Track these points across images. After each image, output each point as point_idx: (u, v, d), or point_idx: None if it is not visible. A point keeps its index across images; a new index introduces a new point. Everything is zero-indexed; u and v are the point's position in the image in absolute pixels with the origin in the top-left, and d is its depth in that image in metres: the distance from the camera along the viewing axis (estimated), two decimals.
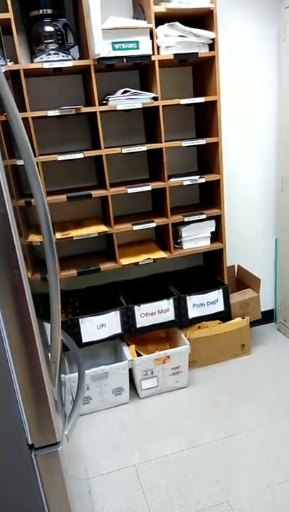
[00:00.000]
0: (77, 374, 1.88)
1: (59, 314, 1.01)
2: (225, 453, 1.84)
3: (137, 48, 1.90)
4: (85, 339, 2.14)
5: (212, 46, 2.02)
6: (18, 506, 1.06)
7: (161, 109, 2.01)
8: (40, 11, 1.85)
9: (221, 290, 2.33)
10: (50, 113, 1.87)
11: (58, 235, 2.04)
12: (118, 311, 2.17)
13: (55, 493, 1.07)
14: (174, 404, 2.17)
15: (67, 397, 1.51)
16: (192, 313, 2.31)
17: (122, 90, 1.98)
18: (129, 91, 1.98)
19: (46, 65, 1.83)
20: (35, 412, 0.97)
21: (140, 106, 1.98)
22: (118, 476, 1.78)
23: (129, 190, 2.07)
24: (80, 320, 2.10)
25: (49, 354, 1.04)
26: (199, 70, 2.21)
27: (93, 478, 1.78)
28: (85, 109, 1.92)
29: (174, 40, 1.95)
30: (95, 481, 1.76)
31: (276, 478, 1.69)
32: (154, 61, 1.95)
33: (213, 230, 2.31)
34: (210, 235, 2.32)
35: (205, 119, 2.26)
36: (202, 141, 2.13)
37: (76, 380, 1.90)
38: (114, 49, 1.87)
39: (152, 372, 2.19)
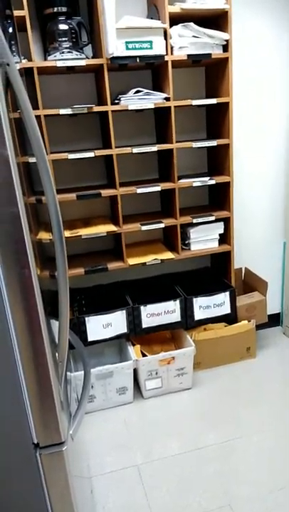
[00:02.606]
0: (82, 372, 1.88)
1: (67, 316, 1.01)
2: (228, 456, 1.83)
3: (151, 48, 1.89)
4: (90, 338, 2.14)
5: (226, 47, 2.01)
6: (21, 503, 1.07)
7: (173, 109, 2.00)
8: (55, 8, 1.85)
9: (227, 292, 2.32)
10: (63, 111, 1.88)
11: (67, 233, 2.04)
12: (124, 311, 2.17)
13: (58, 492, 1.08)
14: (178, 406, 2.17)
15: (72, 395, 1.51)
16: (198, 315, 2.30)
17: (134, 90, 1.98)
18: (141, 91, 1.97)
19: (59, 63, 1.83)
20: (40, 412, 0.97)
21: (152, 106, 1.97)
22: (120, 475, 1.78)
23: (139, 191, 2.07)
24: (86, 318, 2.11)
25: (56, 354, 1.04)
26: (212, 71, 2.20)
27: (96, 476, 1.78)
28: (97, 108, 1.92)
29: (187, 41, 1.94)
30: (98, 480, 1.77)
31: (279, 482, 1.68)
32: (167, 61, 1.94)
33: (222, 232, 2.31)
34: (218, 236, 2.31)
35: (216, 120, 2.25)
36: (213, 143, 2.12)
37: (81, 378, 1.91)
38: (127, 48, 1.87)
39: (157, 373, 2.19)
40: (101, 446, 1.95)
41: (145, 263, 2.16)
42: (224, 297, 2.33)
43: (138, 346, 2.27)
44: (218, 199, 2.39)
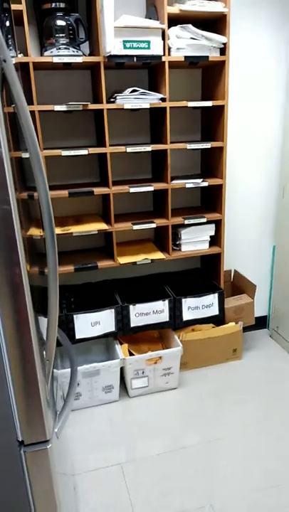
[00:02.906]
0: (68, 370, 1.88)
1: (56, 315, 1.01)
2: (211, 456, 1.85)
3: (148, 48, 1.89)
4: (78, 335, 2.14)
5: (223, 50, 2.02)
6: (4, 500, 1.07)
7: (168, 110, 2.01)
8: (53, 4, 1.83)
9: (216, 294, 2.34)
10: (57, 107, 1.87)
11: (58, 230, 2.03)
12: (113, 310, 2.17)
13: (41, 489, 1.08)
14: (163, 405, 2.19)
15: (58, 392, 1.51)
16: (187, 315, 2.32)
17: (130, 89, 1.97)
18: (137, 90, 1.97)
19: (56, 59, 1.82)
20: (26, 410, 0.97)
21: (148, 106, 1.97)
22: (104, 473, 1.79)
23: (132, 190, 2.07)
24: (74, 316, 2.11)
25: (44, 352, 1.04)
26: (209, 74, 2.21)
27: (79, 474, 1.79)
28: (92, 106, 1.91)
29: (185, 42, 1.94)
30: (81, 477, 1.77)
31: (260, 483, 1.70)
32: (164, 62, 1.94)
33: (213, 233, 2.32)
34: (209, 238, 2.32)
35: (211, 122, 2.26)
36: (207, 145, 2.13)
37: (67, 375, 1.91)
38: (125, 47, 1.86)
39: (143, 372, 2.19)
40: (86, 443, 1.95)
41: (135, 262, 2.17)
42: (213, 298, 2.34)
43: (126, 345, 2.28)
44: (211, 201, 2.40)
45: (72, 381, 1.32)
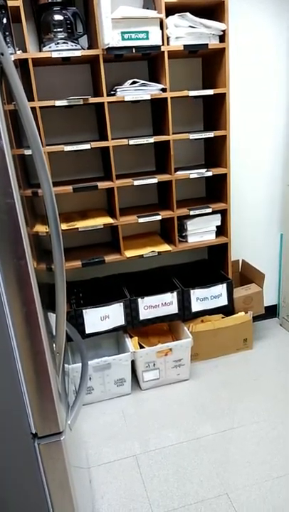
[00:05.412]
0: (80, 364, 1.89)
1: (64, 307, 1.01)
2: (224, 446, 1.85)
3: (147, 39, 1.88)
4: (88, 330, 2.15)
5: (222, 38, 2.00)
6: (20, 493, 1.08)
7: (169, 100, 1.99)
8: None
9: (224, 284, 2.33)
10: (58, 103, 1.86)
11: (64, 226, 2.04)
12: (122, 303, 2.17)
13: (57, 482, 1.09)
14: (175, 397, 2.19)
15: (70, 387, 1.52)
16: (195, 306, 2.31)
17: (130, 81, 1.96)
18: (137, 82, 1.96)
19: (55, 54, 1.81)
20: (39, 402, 0.98)
21: (148, 97, 1.96)
22: (118, 465, 1.80)
23: (136, 183, 2.06)
24: (83, 311, 2.11)
25: (54, 345, 1.05)
26: (209, 62, 2.19)
27: (94, 467, 1.80)
28: (92, 100, 1.90)
29: (184, 31, 1.93)
30: (96, 470, 1.78)
31: (274, 471, 1.70)
32: (163, 52, 1.92)
33: (219, 224, 2.31)
34: (215, 228, 2.31)
35: (213, 111, 2.24)
36: (210, 134, 2.12)
37: (79, 370, 1.92)
38: (123, 39, 1.85)
39: (154, 365, 2.20)
40: (99, 436, 1.97)
41: (142, 255, 2.16)
42: (221, 289, 2.34)
43: (136, 338, 2.28)
44: (215, 191, 2.39)
45: (84, 373, 1.33)
